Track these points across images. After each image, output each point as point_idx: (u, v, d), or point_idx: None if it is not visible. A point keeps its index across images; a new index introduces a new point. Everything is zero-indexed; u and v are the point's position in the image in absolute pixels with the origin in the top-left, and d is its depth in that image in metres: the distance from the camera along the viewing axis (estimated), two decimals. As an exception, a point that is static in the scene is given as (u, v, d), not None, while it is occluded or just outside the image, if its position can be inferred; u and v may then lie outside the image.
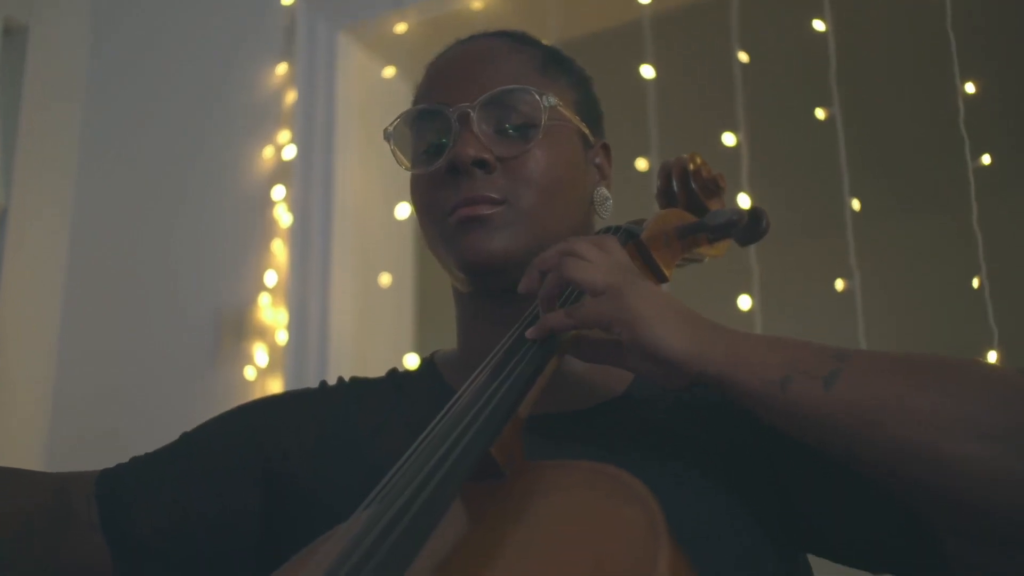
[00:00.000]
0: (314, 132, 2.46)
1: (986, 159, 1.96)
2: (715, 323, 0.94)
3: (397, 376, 1.19)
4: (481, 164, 1.06)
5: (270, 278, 2.41)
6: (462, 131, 1.07)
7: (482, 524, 0.81)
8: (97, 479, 1.09)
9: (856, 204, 2.16)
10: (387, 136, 1.14)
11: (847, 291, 2.13)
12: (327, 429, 1.11)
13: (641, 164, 2.36)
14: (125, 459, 1.16)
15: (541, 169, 1.07)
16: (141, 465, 1.12)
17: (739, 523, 0.96)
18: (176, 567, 1.07)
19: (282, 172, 2.48)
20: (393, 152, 1.14)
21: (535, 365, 0.93)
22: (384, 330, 2.48)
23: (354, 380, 1.19)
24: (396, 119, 1.14)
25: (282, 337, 2.36)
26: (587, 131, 1.15)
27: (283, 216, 2.45)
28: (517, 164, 1.07)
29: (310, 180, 2.43)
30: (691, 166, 1.20)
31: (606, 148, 1.20)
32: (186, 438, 1.15)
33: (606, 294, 0.92)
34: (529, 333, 0.97)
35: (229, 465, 1.10)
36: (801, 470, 0.98)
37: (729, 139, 2.26)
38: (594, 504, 0.76)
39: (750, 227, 1.12)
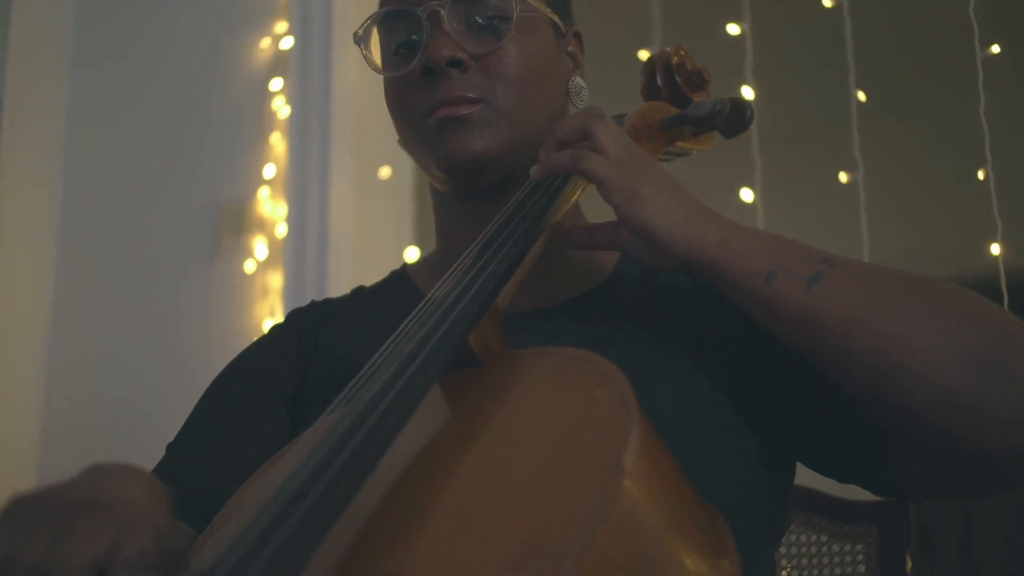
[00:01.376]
0: (312, 22, 2.42)
1: (995, 49, 1.93)
2: (712, 211, 0.95)
3: (364, 291, 1.19)
4: (456, 63, 1.04)
5: (269, 171, 2.39)
6: (434, 30, 1.04)
7: (459, 412, 0.82)
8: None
9: (862, 96, 2.13)
10: (357, 40, 1.11)
11: (851, 184, 2.11)
12: (306, 350, 1.12)
13: (644, 55, 2.32)
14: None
15: (516, 64, 1.06)
16: (190, 460, 1.07)
17: (719, 412, 0.97)
18: None
19: (280, 63, 2.45)
20: (364, 56, 1.12)
21: (515, 254, 0.93)
22: (384, 223, 2.47)
23: (319, 302, 1.20)
24: (365, 21, 1.12)
25: (281, 230, 2.35)
26: (558, 20, 1.13)
27: (281, 108, 2.42)
28: (493, 61, 1.05)
29: (308, 71, 2.40)
30: (675, 59, 1.19)
31: (578, 36, 1.18)
32: (209, 414, 1.12)
33: (619, 163, 0.94)
34: (534, 171, 0.98)
35: (265, 419, 1.09)
36: (776, 366, 0.99)
37: (734, 29, 2.22)
38: (566, 387, 0.77)
39: (733, 118, 1.11)
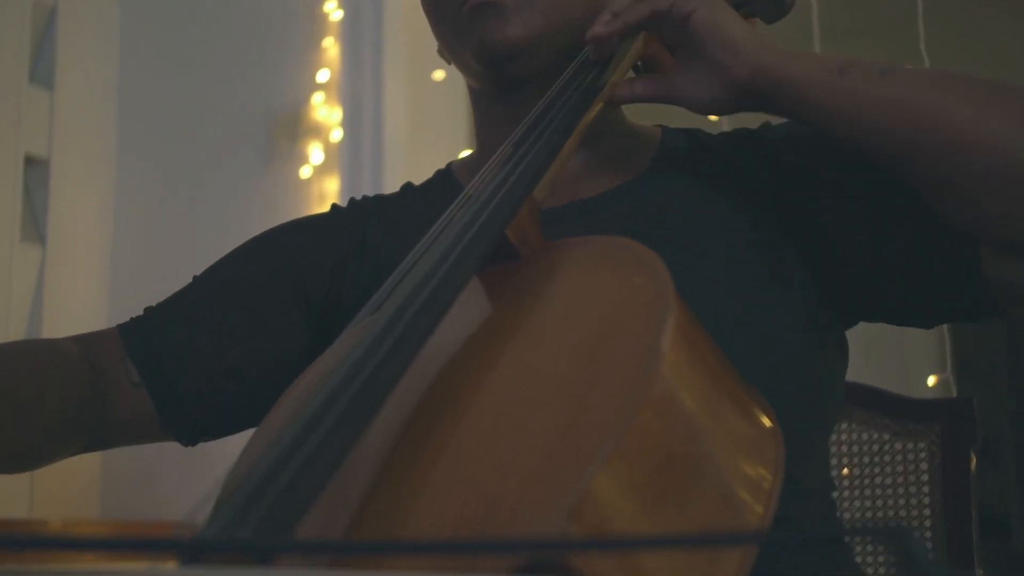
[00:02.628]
0: (362, -78, 2.38)
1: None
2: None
3: (412, 189, 1.17)
4: None
5: (323, 76, 2.37)
6: None
7: (496, 305, 0.82)
8: (123, 339, 1.07)
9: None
10: None
11: None
12: (348, 248, 1.10)
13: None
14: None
15: None
16: (168, 318, 1.09)
17: (763, 299, 0.95)
18: (226, 413, 1.07)
19: (331, -35, 2.42)
20: None
21: (552, 145, 0.91)
22: (438, 125, 2.45)
23: (368, 198, 1.17)
24: None
25: (336, 135, 2.34)
26: None
27: (334, 11, 2.39)
28: None
29: (359, -28, 2.37)
30: None
31: None
32: (210, 281, 1.12)
33: None
34: (596, 30, 0.96)
35: (270, 307, 1.08)
36: (840, 216, 0.97)
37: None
38: (603, 275, 0.76)
39: (773, 3, 1.07)
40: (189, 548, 0.57)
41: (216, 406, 1.06)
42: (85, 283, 2.44)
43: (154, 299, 1.11)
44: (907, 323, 1.01)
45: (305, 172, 2.34)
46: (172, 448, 2.13)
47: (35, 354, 1.00)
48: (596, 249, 0.79)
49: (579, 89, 0.97)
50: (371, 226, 1.11)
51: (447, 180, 1.14)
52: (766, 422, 0.73)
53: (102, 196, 2.50)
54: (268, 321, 1.08)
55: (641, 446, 0.63)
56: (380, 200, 1.16)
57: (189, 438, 1.08)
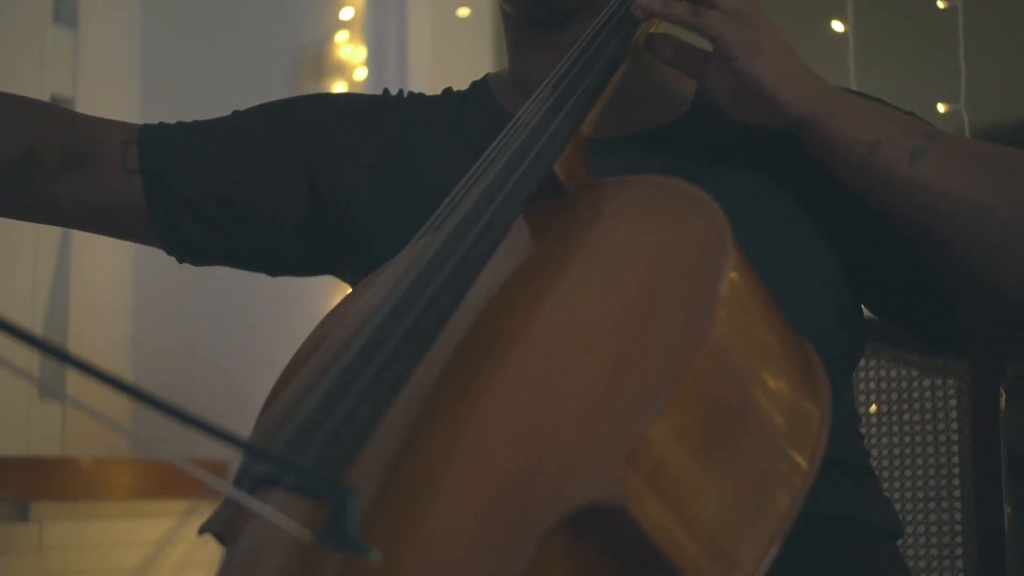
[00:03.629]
0: None
1: None
2: (817, 75, 0.94)
3: (453, 95, 1.15)
4: None
5: (346, 13, 2.35)
6: None
7: (544, 243, 0.81)
8: (141, 128, 1.09)
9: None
10: None
11: (949, 10, 2.01)
12: (385, 143, 1.08)
13: None
14: None
15: None
16: (189, 127, 1.11)
17: (806, 242, 0.97)
18: (212, 236, 1.08)
19: (354, -99, 2.39)
20: None
21: (600, 78, 0.90)
22: (463, 63, 2.43)
23: (413, 95, 1.15)
24: None
25: (360, 74, 2.33)
26: None
27: (357, -52, 2.37)
28: None
29: (382, -92, 2.34)
30: None
31: None
32: (237, 117, 1.14)
33: (739, 14, 0.90)
34: (642, 2, 0.93)
35: (273, 159, 1.09)
36: (857, 214, 0.98)
37: None
38: (656, 216, 0.76)
39: None
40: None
41: (207, 222, 1.07)
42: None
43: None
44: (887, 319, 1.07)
45: (329, 111, 2.33)
46: (203, 386, 2.16)
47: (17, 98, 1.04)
48: (648, 188, 0.78)
49: (624, 24, 0.95)
50: (412, 133, 1.09)
51: (487, 99, 1.12)
52: (815, 367, 0.73)
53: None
54: (269, 175, 1.09)
55: (696, 393, 0.63)
56: (421, 102, 1.14)
57: (180, 250, 1.09)
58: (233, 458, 0.69)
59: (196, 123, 1.13)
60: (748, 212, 0.91)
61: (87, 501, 1.98)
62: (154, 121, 2.51)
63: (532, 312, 0.73)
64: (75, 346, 2.31)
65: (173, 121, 1.13)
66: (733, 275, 0.66)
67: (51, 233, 2.33)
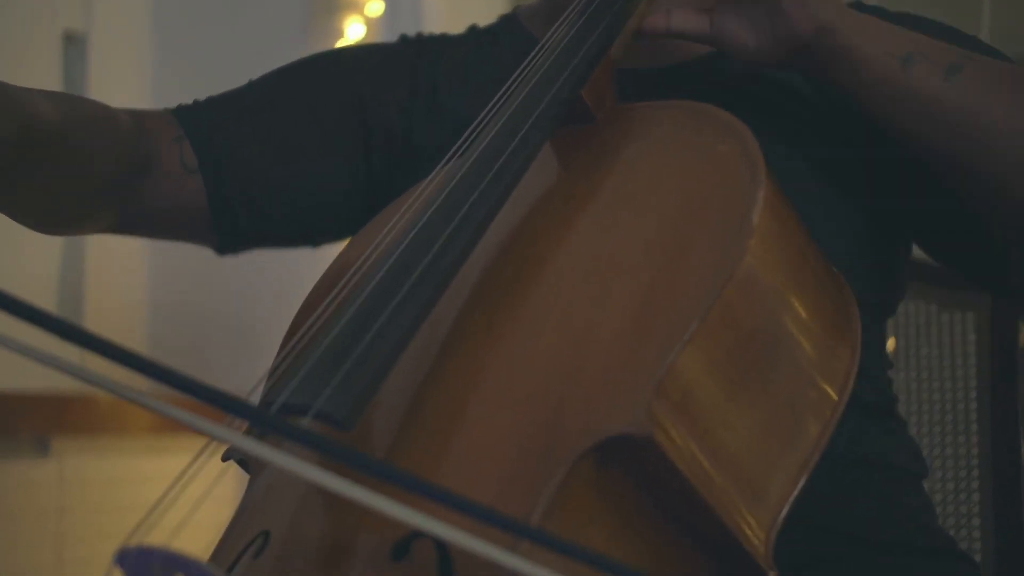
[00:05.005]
0: None
1: None
2: None
3: (478, 31, 1.13)
4: None
5: (360, -52, 2.33)
6: None
7: (572, 169, 0.80)
8: (180, 120, 1.03)
9: None
10: None
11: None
12: (418, 90, 1.07)
13: None
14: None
15: None
16: (225, 112, 1.05)
17: (839, 178, 0.94)
18: (268, 223, 1.05)
19: None
20: None
21: (628, 3, 0.88)
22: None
23: (434, 37, 1.13)
24: None
25: (375, 8, 2.31)
26: None
27: None
28: None
29: None
30: None
31: None
32: (274, 88, 1.09)
33: None
34: None
35: (327, 122, 1.06)
36: (887, 155, 0.95)
37: None
38: (688, 142, 0.74)
39: None
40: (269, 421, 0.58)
41: (261, 213, 1.04)
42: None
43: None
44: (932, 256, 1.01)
45: (343, 47, 2.32)
46: (222, 321, 2.16)
47: (90, 107, 0.95)
48: (679, 114, 0.76)
49: None
50: (440, 72, 1.07)
51: (516, 30, 1.09)
52: (846, 301, 0.73)
53: (140, 71, 2.48)
54: (327, 140, 1.05)
55: (727, 322, 0.62)
56: (447, 42, 1.12)
57: (227, 243, 1.06)
58: (255, 392, 0.68)
59: (238, 102, 1.07)
60: (778, 148, 0.90)
61: (107, 436, 1.99)
62: (168, 60, 2.47)
63: (560, 240, 0.73)
64: (92, 303, 2.32)
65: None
66: (766, 203, 0.65)
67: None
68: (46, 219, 0.97)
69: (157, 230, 1.07)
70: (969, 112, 0.84)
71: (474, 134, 0.79)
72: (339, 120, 1.06)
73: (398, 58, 1.09)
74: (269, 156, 1.04)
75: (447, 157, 0.80)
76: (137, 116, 1.01)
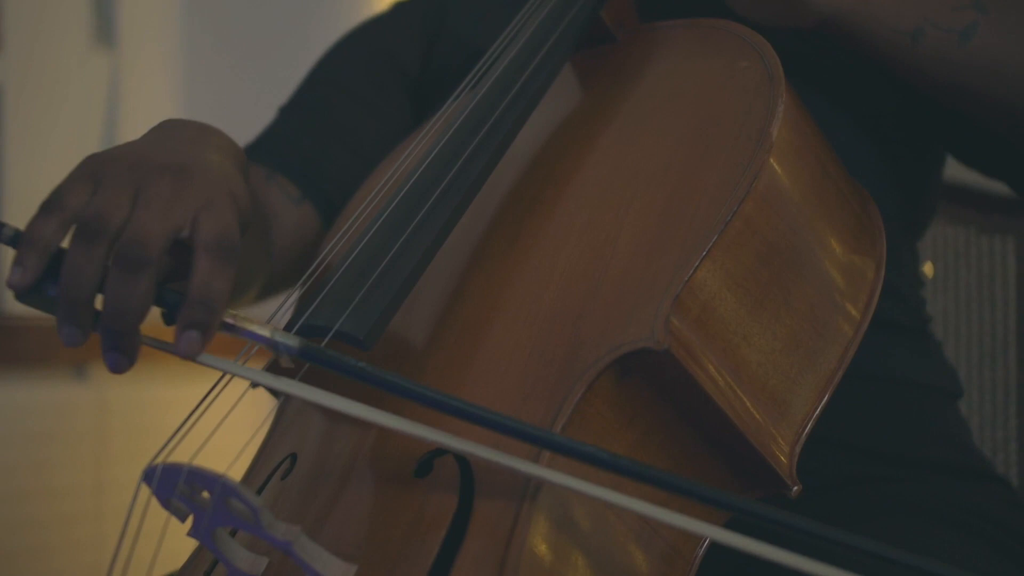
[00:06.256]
0: None
1: None
2: None
3: None
4: None
5: None
6: None
7: (593, 89, 0.79)
8: (259, 160, 1.01)
9: None
10: None
11: None
12: (431, 27, 1.06)
13: None
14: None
15: None
16: (291, 131, 1.05)
17: (863, 97, 0.91)
18: None
19: None
20: None
21: None
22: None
23: None
24: None
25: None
26: None
27: None
28: None
29: None
30: None
31: None
32: (317, 86, 1.08)
33: None
34: None
35: (379, 95, 1.06)
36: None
37: None
38: (707, 58, 0.73)
39: None
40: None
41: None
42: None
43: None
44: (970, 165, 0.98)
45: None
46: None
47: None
48: (699, 32, 0.76)
49: None
50: (449, 4, 1.07)
51: None
52: (871, 217, 0.72)
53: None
54: (382, 109, 1.05)
55: (746, 236, 0.62)
56: None
57: None
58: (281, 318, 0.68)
59: (300, 121, 1.06)
60: (801, 66, 0.88)
61: (142, 362, 2.01)
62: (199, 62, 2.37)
63: (581, 158, 0.72)
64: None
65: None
66: (786, 116, 0.65)
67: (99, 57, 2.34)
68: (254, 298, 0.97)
69: (291, 273, 1.01)
70: (990, 71, 0.81)
71: (489, 60, 0.78)
72: (389, 94, 1.06)
73: (412, 9, 1.09)
74: (347, 153, 1.03)
75: (465, 81, 0.79)
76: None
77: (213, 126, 0.71)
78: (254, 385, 0.69)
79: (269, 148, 1.03)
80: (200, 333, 0.57)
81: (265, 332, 0.59)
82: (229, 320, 0.58)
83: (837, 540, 0.52)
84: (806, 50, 0.90)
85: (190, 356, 0.58)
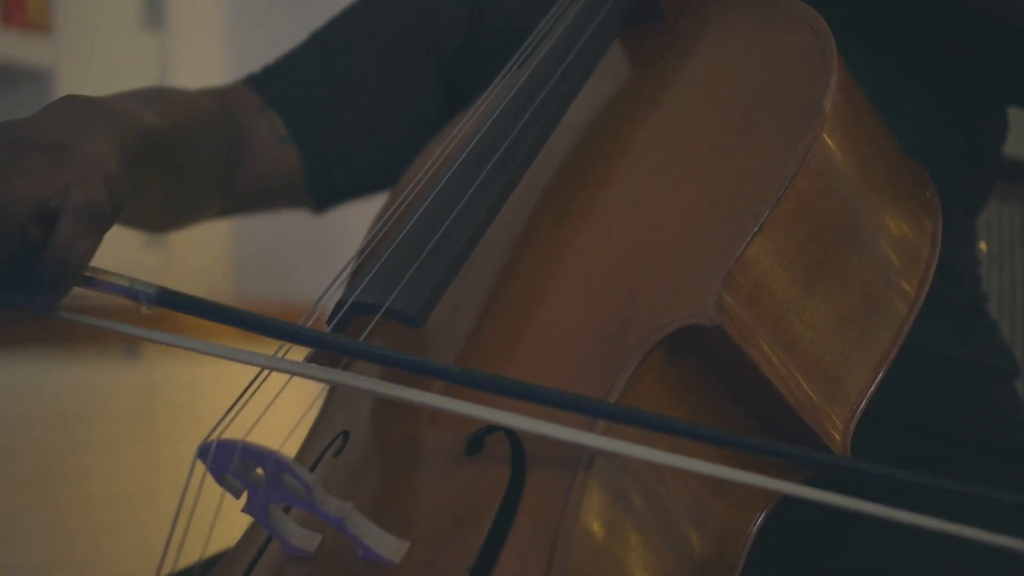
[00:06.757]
0: None
1: None
2: None
3: None
4: None
5: None
6: None
7: (642, 66, 0.79)
8: (258, 92, 1.02)
9: None
10: None
11: None
12: (481, 3, 1.05)
13: None
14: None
15: None
16: (300, 72, 1.04)
17: (916, 65, 0.90)
18: (360, 174, 1.05)
19: None
20: None
21: None
22: None
23: None
24: None
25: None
26: None
27: None
28: None
29: None
30: None
31: None
32: (337, 35, 1.07)
33: None
34: None
35: (404, 65, 1.05)
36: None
37: None
38: (757, 33, 0.72)
39: None
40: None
41: (353, 166, 1.04)
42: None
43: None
44: None
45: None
46: (303, 228, 2.15)
47: (184, 103, 0.95)
48: (749, 5, 0.75)
49: None
50: None
51: None
52: (927, 193, 0.71)
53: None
54: (402, 80, 1.04)
55: (798, 212, 0.61)
56: None
57: (324, 202, 1.06)
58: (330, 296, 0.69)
59: (310, 62, 1.05)
60: (855, 41, 0.87)
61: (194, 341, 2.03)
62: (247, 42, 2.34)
63: (631, 134, 0.72)
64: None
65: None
66: (838, 89, 0.64)
67: (149, 39, 2.34)
68: (163, 225, 0.99)
69: (257, 204, 1.06)
70: None
71: (536, 38, 0.78)
72: (409, 56, 1.04)
73: None
74: (352, 110, 1.03)
75: (513, 59, 0.79)
76: (219, 96, 1.01)
77: (113, 101, 0.74)
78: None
79: (271, 81, 1.03)
80: (52, 292, 0.58)
81: (123, 282, 0.60)
82: (88, 274, 0.60)
83: (928, 484, 0.52)
84: (860, 20, 0.89)
85: (44, 313, 0.59)
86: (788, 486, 0.54)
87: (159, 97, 0.90)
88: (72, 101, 0.69)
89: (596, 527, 0.55)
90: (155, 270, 2.31)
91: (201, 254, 2.41)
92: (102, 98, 0.73)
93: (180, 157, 0.88)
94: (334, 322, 0.64)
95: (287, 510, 0.60)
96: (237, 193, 1.00)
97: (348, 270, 0.73)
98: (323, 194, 1.04)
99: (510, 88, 0.72)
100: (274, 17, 2.46)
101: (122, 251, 2.28)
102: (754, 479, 0.54)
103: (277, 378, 0.63)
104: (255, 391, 0.63)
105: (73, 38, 2.18)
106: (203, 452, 0.57)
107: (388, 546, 0.55)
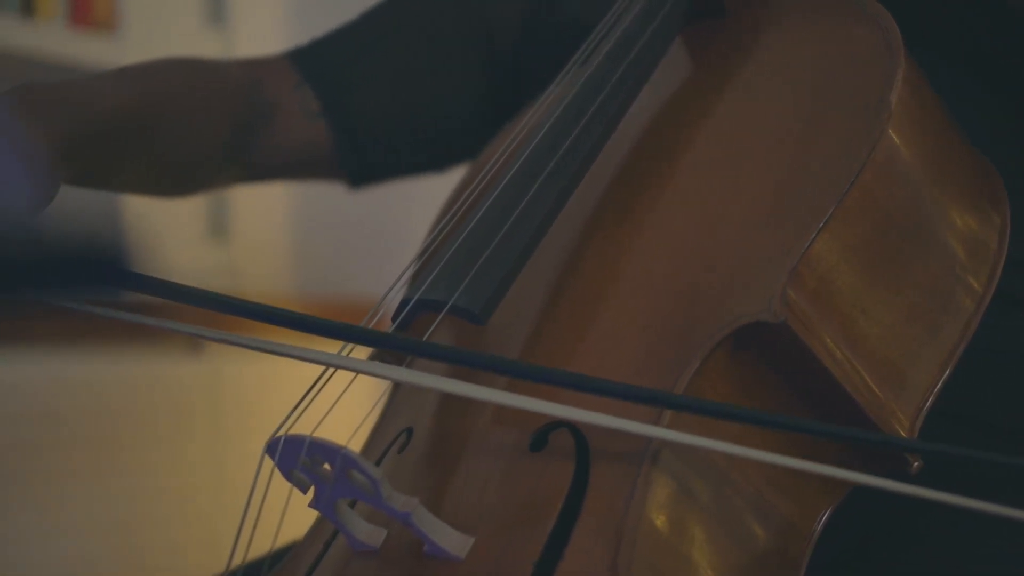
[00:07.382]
0: None
1: None
2: None
3: None
4: None
5: None
6: None
7: (704, 63, 0.78)
8: (297, 66, 1.02)
9: None
10: None
11: None
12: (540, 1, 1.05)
13: None
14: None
15: None
16: (344, 49, 1.04)
17: (985, 62, 0.87)
18: (396, 155, 1.04)
19: None
20: None
21: None
22: None
23: None
24: None
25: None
26: None
27: None
28: None
29: None
30: None
31: None
32: (387, 13, 1.06)
33: None
34: None
35: (452, 47, 1.04)
36: None
37: None
38: (821, 27, 0.72)
39: None
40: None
41: (388, 146, 1.03)
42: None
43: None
44: None
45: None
46: (366, 223, 2.17)
47: (191, 73, 0.95)
48: (811, 1, 0.75)
49: None
50: None
51: None
52: (994, 187, 0.70)
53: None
54: (448, 63, 1.03)
55: (864, 208, 0.61)
56: None
57: (357, 179, 1.05)
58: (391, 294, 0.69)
59: (354, 39, 1.05)
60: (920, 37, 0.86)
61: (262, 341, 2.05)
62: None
63: (694, 131, 0.72)
64: (237, 212, 2.36)
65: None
66: (905, 83, 0.63)
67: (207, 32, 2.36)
68: (173, 190, 0.99)
69: (285, 175, 1.07)
70: None
71: (598, 37, 0.78)
72: (457, 41, 1.04)
73: None
74: (391, 90, 1.02)
75: (575, 57, 0.79)
76: (250, 67, 1.01)
77: (64, 88, 0.74)
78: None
79: (313, 56, 1.03)
80: None
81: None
82: None
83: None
84: (927, 12, 0.88)
85: None
86: (858, 475, 0.54)
87: (149, 73, 0.90)
88: (12, 92, 0.70)
89: (661, 521, 0.55)
90: (219, 267, 2.33)
91: (264, 251, 2.44)
92: (52, 84, 0.74)
93: (171, 129, 0.88)
94: (399, 320, 0.65)
95: (353, 505, 0.61)
96: (256, 164, 1.00)
97: (412, 268, 0.74)
98: (356, 171, 1.04)
99: (572, 86, 0.73)
100: (335, 12, 2.48)
101: (186, 247, 2.31)
102: (822, 468, 0.54)
103: (342, 376, 0.63)
104: (321, 389, 0.64)
105: (138, 36, 2.21)
106: (271, 448, 0.58)
107: (453, 541, 0.56)
